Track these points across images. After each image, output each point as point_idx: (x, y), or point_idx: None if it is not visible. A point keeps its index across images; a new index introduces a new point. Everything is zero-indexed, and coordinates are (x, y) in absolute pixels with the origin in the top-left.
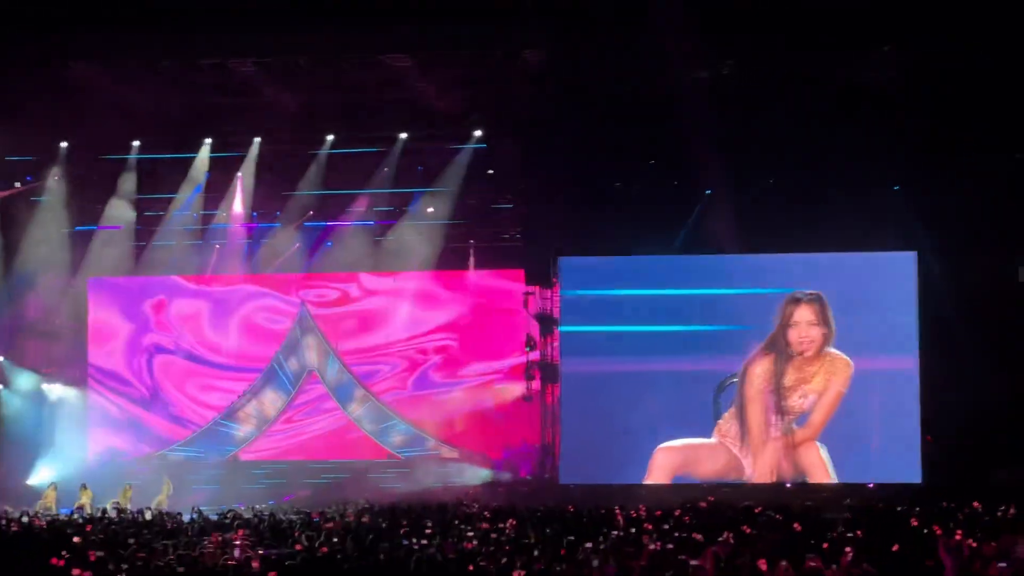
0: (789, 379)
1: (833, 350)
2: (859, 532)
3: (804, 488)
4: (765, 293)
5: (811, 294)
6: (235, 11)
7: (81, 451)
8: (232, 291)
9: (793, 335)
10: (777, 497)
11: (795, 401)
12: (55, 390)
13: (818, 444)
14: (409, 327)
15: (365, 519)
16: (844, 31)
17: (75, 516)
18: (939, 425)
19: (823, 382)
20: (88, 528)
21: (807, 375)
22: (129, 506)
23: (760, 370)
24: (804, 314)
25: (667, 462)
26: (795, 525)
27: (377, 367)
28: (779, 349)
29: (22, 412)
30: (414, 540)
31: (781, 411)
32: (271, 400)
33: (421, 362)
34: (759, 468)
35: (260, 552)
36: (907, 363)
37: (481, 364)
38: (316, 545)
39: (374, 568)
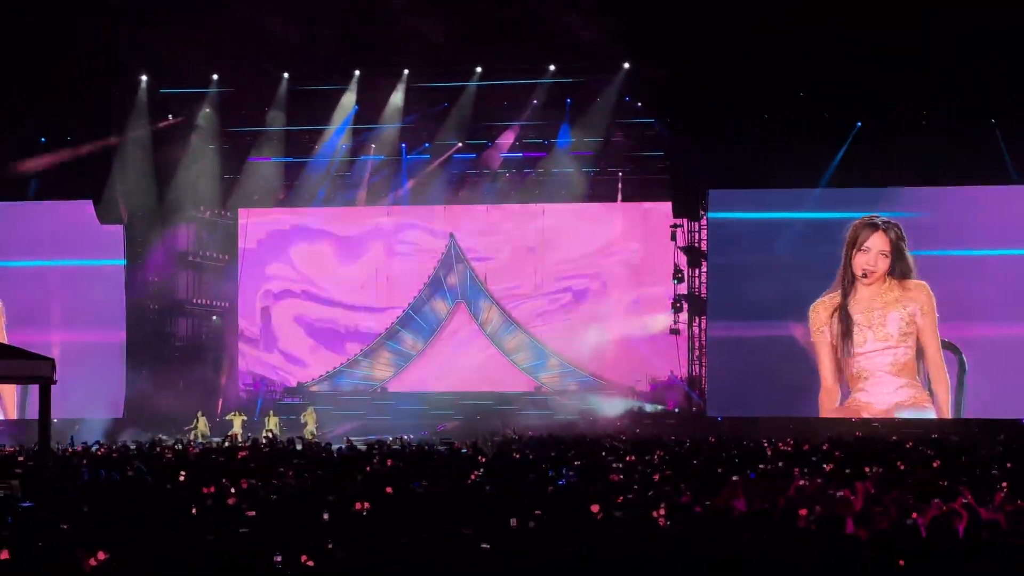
0: (856, 307)
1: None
2: (1012, 469)
3: (955, 424)
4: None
5: (887, 221)
6: None
7: (229, 381)
8: (381, 223)
9: (860, 260)
10: (927, 432)
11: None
12: (204, 322)
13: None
14: (558, 259)
15: (512, 450)
16: None
17: (227, 443)
18: None
19: (891, 302)
20: (240, 455)
21: (874, 303)
22: (278, 433)
23: (822, 311)
24: (877, 242)
25: None
26: (946, 462)
27: (525, 299)
28: (844, 280)
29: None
30: (560, 471)
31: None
32: (419, 332)
33: (570, 294)
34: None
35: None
36: None
37: (629, 296)
38: (461, 475)
39: (517, 498)
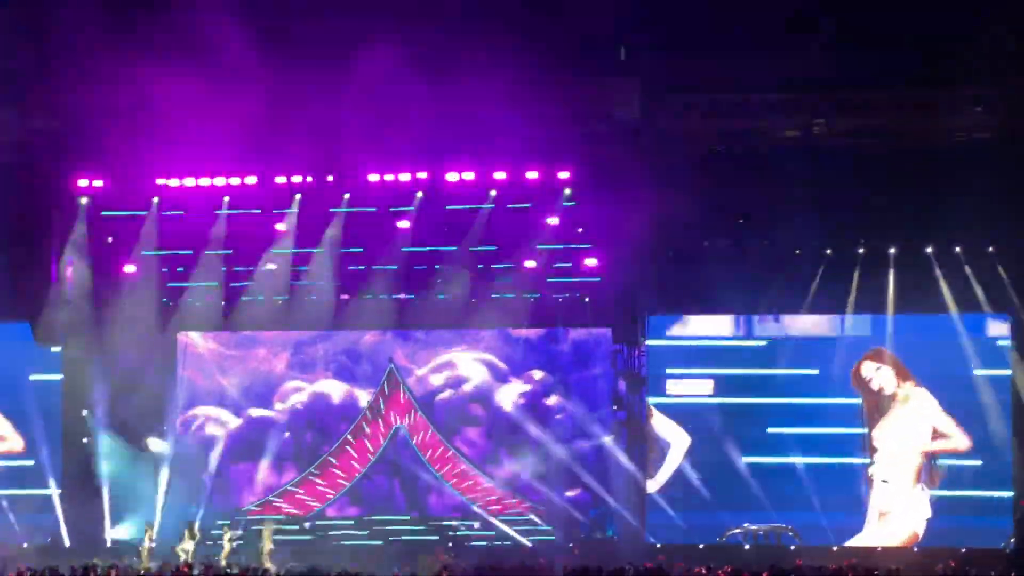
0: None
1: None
2: None
3: (892, 551)
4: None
5: (870, 350)
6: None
7: (171, 501)
8: (320, 348)
9: (874, 385)
10: (865, 560)
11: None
12: (144, 444)
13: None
14: (497, 383)
15: None
16: (935, 90)
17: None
18: None
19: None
20: None
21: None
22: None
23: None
24: (868, 368)
25: None
26: None
27: (465, 423)
28: (872, 407)
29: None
30: None
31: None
32: (357, 456)
33: (509, 419)
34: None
35: None
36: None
37: (568, 421)
38: None
39: None
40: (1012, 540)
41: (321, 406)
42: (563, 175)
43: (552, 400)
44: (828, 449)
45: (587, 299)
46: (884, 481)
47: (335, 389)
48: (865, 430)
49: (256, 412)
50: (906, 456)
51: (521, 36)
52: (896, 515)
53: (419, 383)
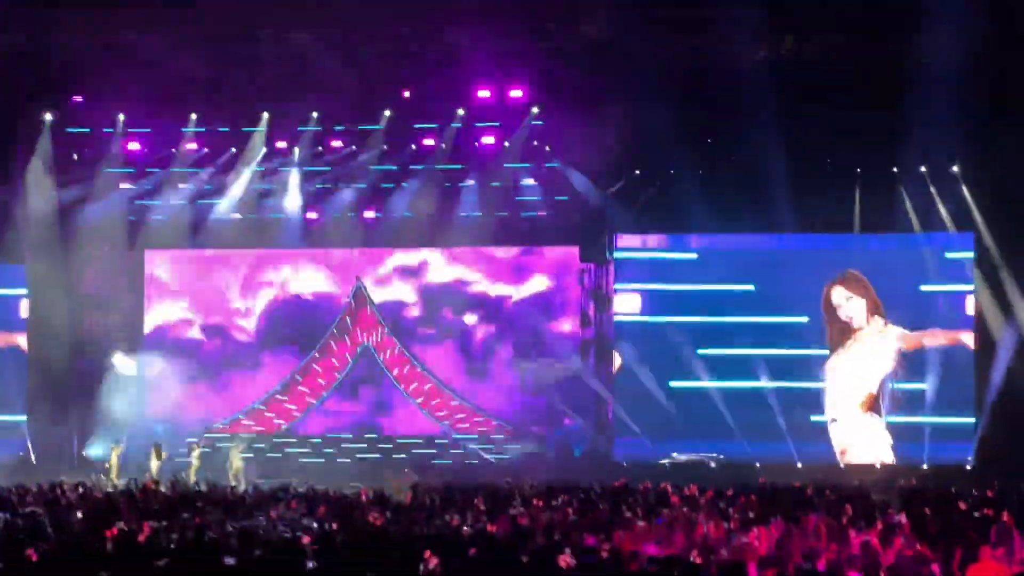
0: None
1: (881, 320)
2: (911, 513)
3: (856, 468)
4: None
5: (842, 273)
6: None
7: (139, 419)
8: (287, 265)
9: (842, 314)
10: (828, 477)
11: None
12: (113, 360)
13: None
14: (463, 302)
15: (417, 495)
16: (904, 11)
17: (135, 482)
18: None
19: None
20: (141, 496)
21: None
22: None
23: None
24: (839, 294)
25: None
26: (847, 506)
27: (431, 343)
28: (836, 333)
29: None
30: (466, 516)
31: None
32: (325, 374)
33: (475, 338)
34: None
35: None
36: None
37: (535, 340)
38: (368, 520)
39: (425, 544)
40: (972, 459)
41: (292, 305)
42: (530, 93)
43: (519, 318)
44: (794, 374)
45: (554, 218)
46: (833, 420)
47: (303, 308)
48: (827, 351)
49: (225, 325)
50: (857, 387)
51: None
52: (857, 448)
53: (387, 299)
